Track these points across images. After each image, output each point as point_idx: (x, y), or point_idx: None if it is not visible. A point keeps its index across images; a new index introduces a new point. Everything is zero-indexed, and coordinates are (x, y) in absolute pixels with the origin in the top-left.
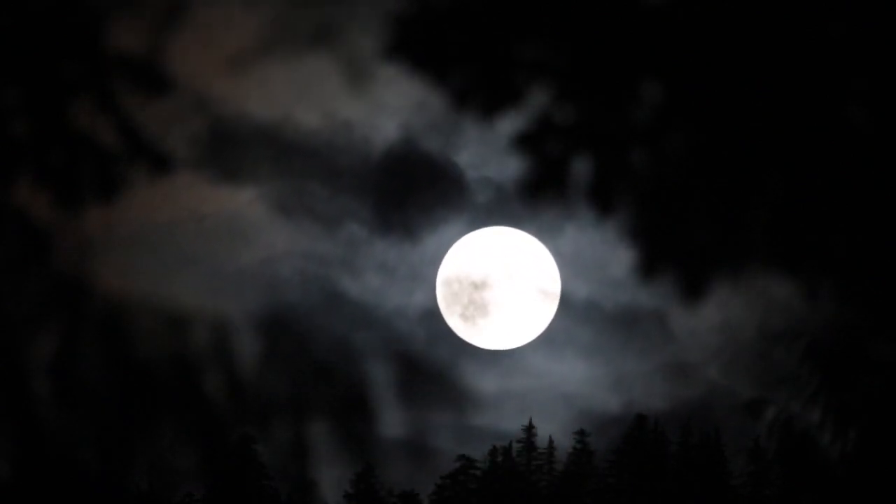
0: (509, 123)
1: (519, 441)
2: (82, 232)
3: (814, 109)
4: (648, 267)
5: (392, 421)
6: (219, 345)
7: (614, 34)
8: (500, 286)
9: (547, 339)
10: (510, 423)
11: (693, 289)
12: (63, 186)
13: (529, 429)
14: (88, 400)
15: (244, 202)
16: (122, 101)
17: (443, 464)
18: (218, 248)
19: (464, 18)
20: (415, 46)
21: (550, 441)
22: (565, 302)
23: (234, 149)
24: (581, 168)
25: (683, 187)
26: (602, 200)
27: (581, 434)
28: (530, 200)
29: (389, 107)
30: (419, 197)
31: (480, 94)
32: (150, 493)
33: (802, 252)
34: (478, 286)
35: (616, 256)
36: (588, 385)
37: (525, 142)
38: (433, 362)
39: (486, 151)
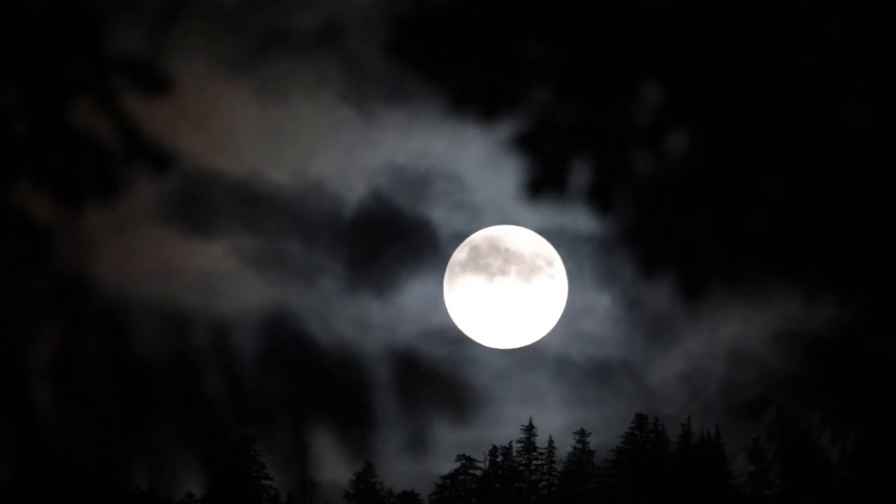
0: (481, 180)
1: (519, 441)
2: (82, 232)
3: (813, 109)
4: (648, 267)
5: (392, 421)
6: (219, 345)
7: (614, 34)
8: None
9: (523, 393)
10: None
11: (693, 289)
12: (63, 186)
13: (529, 429)
14: (88, 400)
15: (215, 257)
16: (122, 101)
17: (443, 464)
18: (189, 302)
19: (464, 18)
20: (415, 46)
21: (550, 441)
22: (537, 355)
23: (204, 204)
24: (581, 169)
25: (683, 187)
26: (602, 200)
27: (581, 434)
28: (531, 200)
29: (360, 163)
30: (392, 253)
31: (480, 94)
32: (150, 493)
33: (802, 252)
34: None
35: (587, 311)
36: (561, 436)
37: (525, 142)
38: (434, 363)
39: (458, 208)
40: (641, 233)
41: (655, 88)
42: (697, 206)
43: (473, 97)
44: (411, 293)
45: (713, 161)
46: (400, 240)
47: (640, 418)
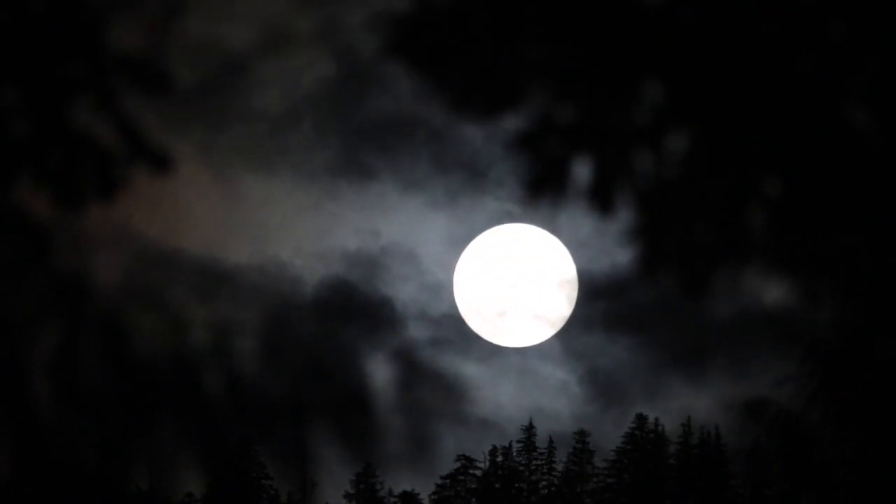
0: (442, 256)
1: (519, 441)
2: (82, 232)
3: (814, 109)
4: (649, 267)
5: (392, 421)
6: (219, 345)
7: (614, 34)
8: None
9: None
10: None
11: (694, 289)
12: (63, 186)
13: (529, 429)
14: (88, 400)
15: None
16: (122, 101)
17: (443, 464)
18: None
19: (464, 18)
20: (414, 46)
21: (550, 441)
22: (499, 427)
23: (163, 281)
24: (580, 171)
25: (684, 187)
26: (603, 201)
27: (581, 434)
28: (530, 202)
29: (317, 244)
30: (354, 334)
31: (480, 94)
32: (150, 493)
33: (802, 252)
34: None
35: (548, 388)
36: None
37: (525, 142)
38: (435, 363)
39: (420, 288)
40: (642, 233)
41: (656, 88)
42: (698, 206)
43: (472, 97)
44: (373, 374)
45: (713, 161)
46: (360, 319)
47: (640, 418)
